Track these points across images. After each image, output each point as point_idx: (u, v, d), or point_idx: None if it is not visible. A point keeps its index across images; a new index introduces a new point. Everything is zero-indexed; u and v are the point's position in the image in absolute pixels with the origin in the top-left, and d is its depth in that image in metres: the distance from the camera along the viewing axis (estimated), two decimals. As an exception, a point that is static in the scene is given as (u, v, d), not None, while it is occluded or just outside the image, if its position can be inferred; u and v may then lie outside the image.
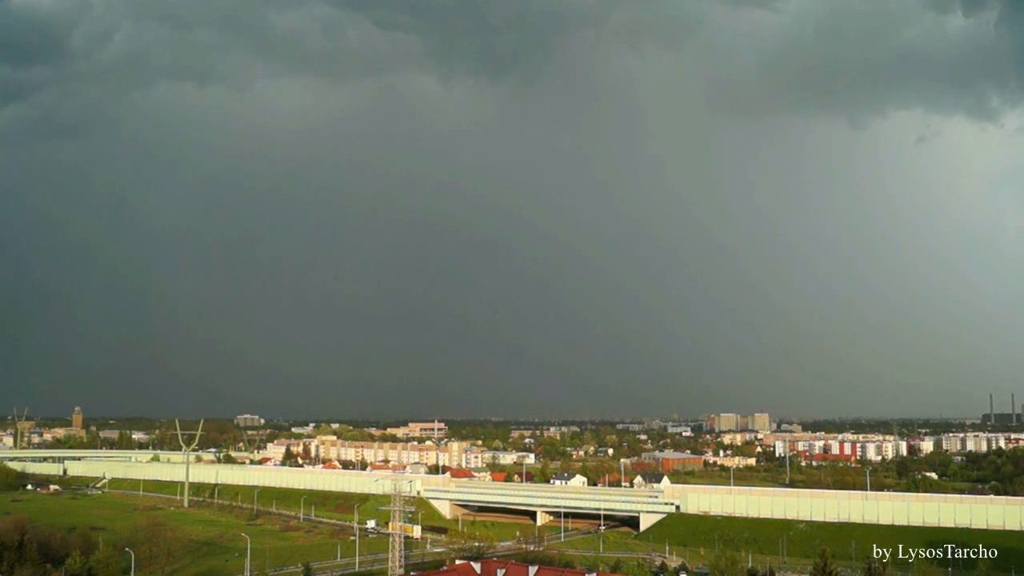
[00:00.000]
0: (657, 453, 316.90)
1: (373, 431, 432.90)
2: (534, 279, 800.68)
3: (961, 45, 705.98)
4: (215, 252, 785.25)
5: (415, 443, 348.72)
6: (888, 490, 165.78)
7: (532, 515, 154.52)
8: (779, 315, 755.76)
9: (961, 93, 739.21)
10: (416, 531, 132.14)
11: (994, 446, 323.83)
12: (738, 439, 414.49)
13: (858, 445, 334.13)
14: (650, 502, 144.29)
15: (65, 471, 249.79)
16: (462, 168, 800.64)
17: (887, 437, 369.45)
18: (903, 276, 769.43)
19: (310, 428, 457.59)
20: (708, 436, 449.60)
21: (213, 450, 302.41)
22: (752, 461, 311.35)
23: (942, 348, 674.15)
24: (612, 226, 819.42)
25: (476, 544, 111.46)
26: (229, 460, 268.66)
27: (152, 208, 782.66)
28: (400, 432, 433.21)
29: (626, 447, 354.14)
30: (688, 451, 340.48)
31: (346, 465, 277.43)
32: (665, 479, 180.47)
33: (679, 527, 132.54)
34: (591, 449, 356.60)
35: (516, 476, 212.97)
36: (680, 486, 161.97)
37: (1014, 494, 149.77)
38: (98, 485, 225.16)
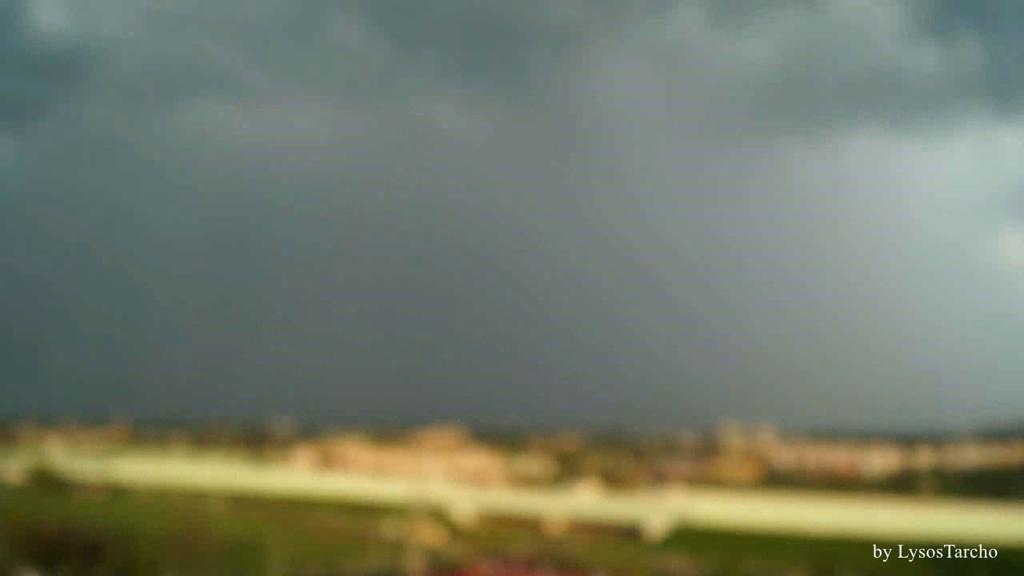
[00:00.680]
0: (664, 461, 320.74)
1: (395, 435, 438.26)
2: (548, 292, 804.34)
3: (936, 67, 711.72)
4: (243, 273, 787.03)
5: (438, 448, 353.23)
6: (892, 500, 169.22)
7: (546, 522, 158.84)
8: (785, 324, 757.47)
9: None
10: (437, 536, 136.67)
11: (998, 457, 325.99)
12: (744, 447, 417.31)
13: (863, 454, 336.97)
14: (657, 510, 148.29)
15: (106, 472, 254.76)
16: (477, 186, 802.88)
17: (891, 447, 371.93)
18: (907, 286, 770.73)
19: (337, 430, 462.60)
20: (714, 444, 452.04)
21: (245, 452, 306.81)
22: (758, 469, 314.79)
23: (943, 357, 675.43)
24: (623, 240, 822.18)
25: (494, 549, 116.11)
26: (261, 462, 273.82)
27: (176, 236, 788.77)
28: (423, 436, 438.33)
29: (635, 454, 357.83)
30: (695, 459, 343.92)
31: (371, 469, 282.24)
32: (672, 487, 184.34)
33: (686, 536, 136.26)
34: (600, 456, 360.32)
35: (528, 483, 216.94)
36: (687, 494, 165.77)
37: (1015, 505, 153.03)
38: (137, 486, 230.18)
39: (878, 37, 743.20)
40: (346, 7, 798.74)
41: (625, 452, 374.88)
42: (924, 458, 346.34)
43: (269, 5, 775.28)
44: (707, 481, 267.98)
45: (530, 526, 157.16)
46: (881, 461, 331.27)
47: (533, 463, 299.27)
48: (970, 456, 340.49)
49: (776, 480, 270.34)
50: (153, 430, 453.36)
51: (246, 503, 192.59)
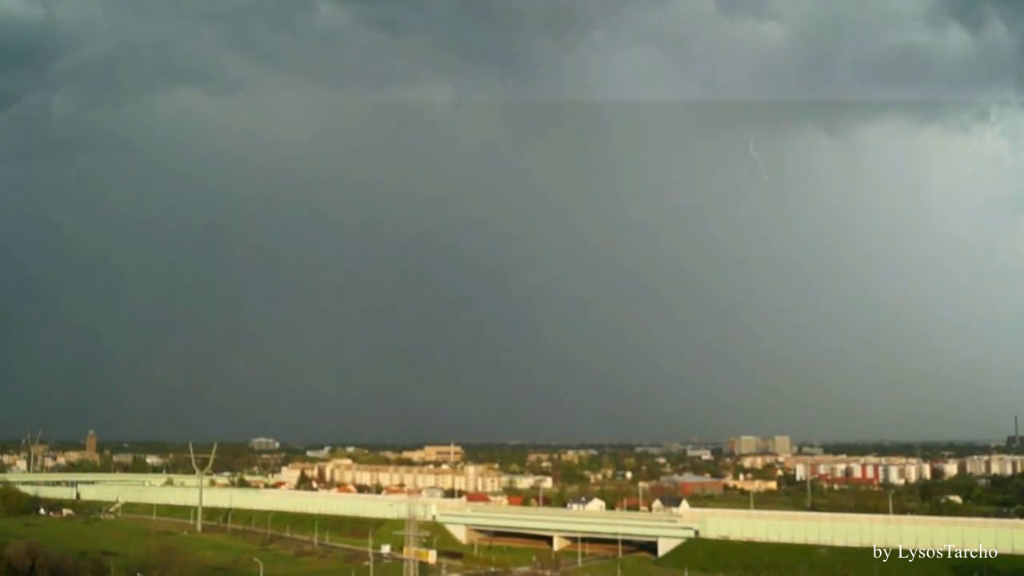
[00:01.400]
0: (676, 477, 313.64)
1: (388, 455, 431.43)
2: (550, 302, 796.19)
3: (962, 51, 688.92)
4: (225, 275, 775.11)
5: (431, 467, 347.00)
6: (911, 514, 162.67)
7: (549, 540, 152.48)
8: (800, 337, 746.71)
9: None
10: (431, 556, 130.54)
11: (1019, 469, 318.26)
12: (758, 462, 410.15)
13: (880, 468, 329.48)
14: (669, 526, 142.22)
15: (78, 495, 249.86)
16: (471, 192, 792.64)
17: (910, 460, 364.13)
18: (927, 297, 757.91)
19: (325, 451, 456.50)
20: (728, 459, 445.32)
21: (227, 474, 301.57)
22: (773, 484, 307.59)
23: (966, 370, 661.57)
24: (626, 251, 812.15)
25: (492, 569, 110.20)
26: (243, 484, 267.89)
27: (171, 231, 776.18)
28: (416, 456, 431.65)
29: (645, 470, 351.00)
30: (708, 474, 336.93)
31: (361, 489, 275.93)
32: (684, 503, 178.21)
33: (699, 552, 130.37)
34: (609, 473, 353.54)
35: (533, 500, 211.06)
36: (700, 510, 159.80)
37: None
38: (111, 509, 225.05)
39: (901, 19, 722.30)
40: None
41: (637, 468, 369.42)
42: (949, 469, 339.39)
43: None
44: (721, 496, 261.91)
45: (537, 543, 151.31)
46: (904, 472, 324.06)
47: (539, 480, 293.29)
48: (1002, 468, 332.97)
49: (792, 494, 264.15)
50: (126, 451, 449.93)
51: (227, 524, 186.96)
